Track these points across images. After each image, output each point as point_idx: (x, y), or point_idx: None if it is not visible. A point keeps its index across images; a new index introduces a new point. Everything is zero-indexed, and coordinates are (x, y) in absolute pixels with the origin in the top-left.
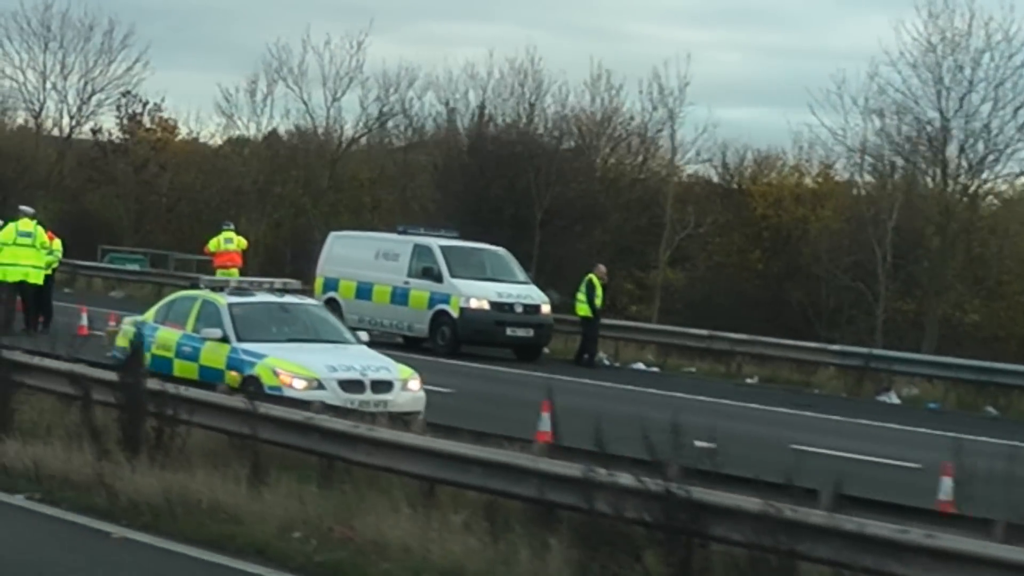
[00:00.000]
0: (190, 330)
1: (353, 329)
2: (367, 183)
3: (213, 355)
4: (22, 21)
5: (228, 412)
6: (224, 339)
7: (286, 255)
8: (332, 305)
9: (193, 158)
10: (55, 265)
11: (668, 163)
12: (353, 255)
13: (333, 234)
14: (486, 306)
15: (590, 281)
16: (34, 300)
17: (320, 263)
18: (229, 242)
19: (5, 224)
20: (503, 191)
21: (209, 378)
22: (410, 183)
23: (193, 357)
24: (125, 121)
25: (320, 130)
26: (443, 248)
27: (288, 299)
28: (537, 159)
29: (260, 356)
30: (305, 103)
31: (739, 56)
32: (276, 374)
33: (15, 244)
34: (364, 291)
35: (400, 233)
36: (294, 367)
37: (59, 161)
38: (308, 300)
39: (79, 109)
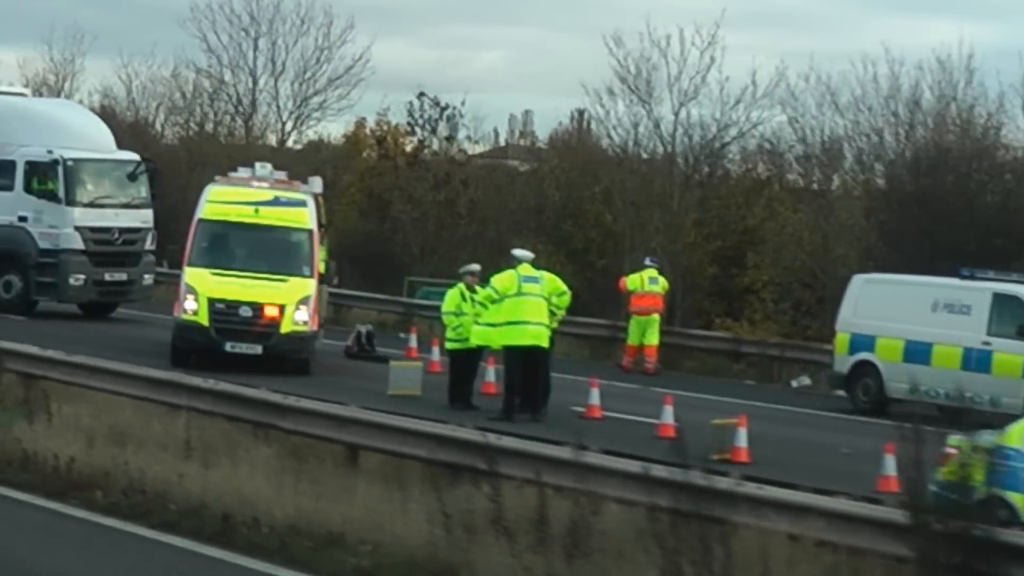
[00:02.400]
0: None
1: None
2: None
3: None
4: (231, 14)
5: None
6: None
7: (676, 294)
8: (865, 369)
9: (479, 171)
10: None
11: None
12: (896, 305)
13: (860, 278)
14: None
15: None
16: (544, 371)
17: (843, 314)
18: (654, 282)
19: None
20: (967, 220)
21: None
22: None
23: None
24: (425, 129)
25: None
26: None
27: None
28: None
29: None
30: (648, 112)
31: (762, 59)
32: None
33: (519, 295)
34: (918, 352)
35: (965, 278)
36: None
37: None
38: None
39: (296, 114)
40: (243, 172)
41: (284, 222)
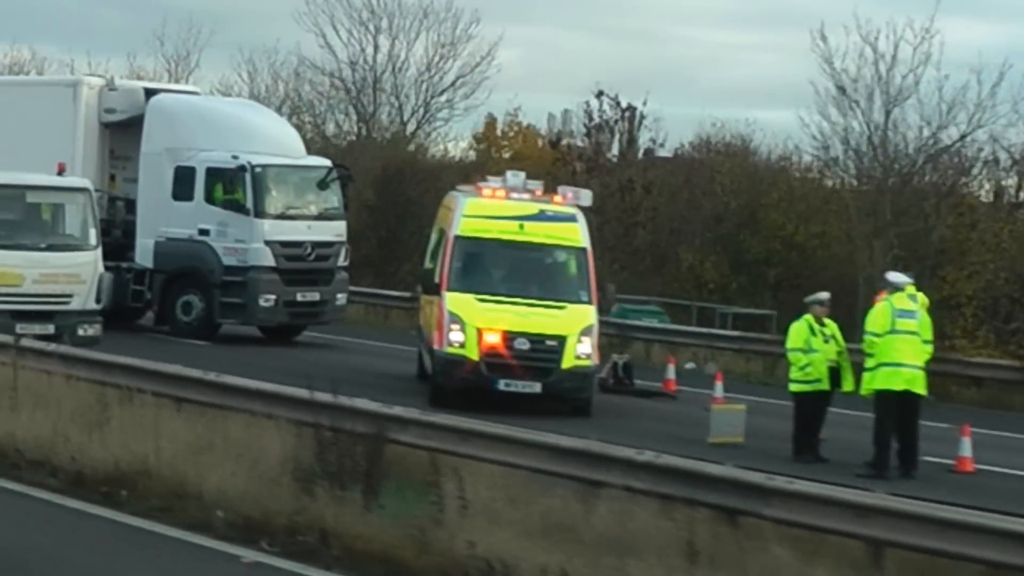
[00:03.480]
0: None
1: None
2: None
3: None
4: (349, 8)
5: None
6: None
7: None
8: None
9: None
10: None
11: None
12: None
13: None
14: None
15: None
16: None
17: None
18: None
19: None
20: None
21: None
22: None
23: None
24: (606, 130)
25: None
26: None
27: None
28: None
29: None
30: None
31: (775, 58)
32: None
33: (892, 332)
34: None
35: None
36: None
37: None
38: None
39: (423, 114)
40: (492, 182)
41: (554, 239)
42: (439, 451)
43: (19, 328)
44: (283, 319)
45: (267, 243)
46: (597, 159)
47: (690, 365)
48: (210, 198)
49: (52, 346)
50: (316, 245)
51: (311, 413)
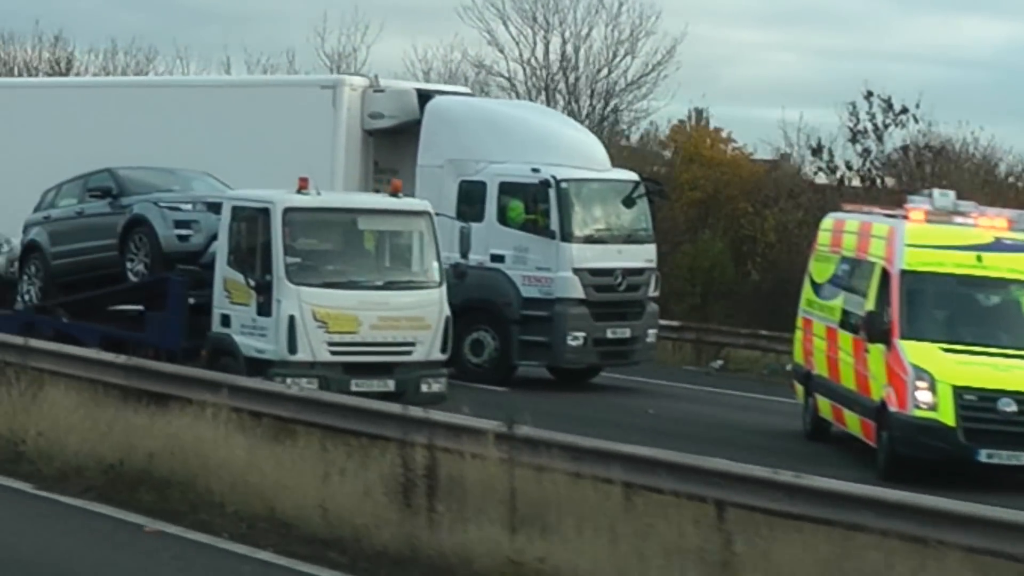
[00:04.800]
0: None
1: None
2: None
3: None
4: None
5: None
6: None
7: None
8: None
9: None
10: None
11: None
12: None
13: None
14: None
15: None
16: None
17: None
18: None
19: None
20: None
21: None
22: None
23: None
24: (868, 137)
25: None
26: None
27: None
28: None
29: None
30: None
31: (793, 57)
32: None
33: None
34: None
35: None
36: None
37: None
38: None
39: (601, 118)
40: (917, 202)
41: (1020, 274)
42: None
43: (354, 385)
44: (592, 360)
45: (575, 271)
46: (876, 174)
47: None
48: (504, 218)
49: (550, 433)
50: (627, 273)
51: None
